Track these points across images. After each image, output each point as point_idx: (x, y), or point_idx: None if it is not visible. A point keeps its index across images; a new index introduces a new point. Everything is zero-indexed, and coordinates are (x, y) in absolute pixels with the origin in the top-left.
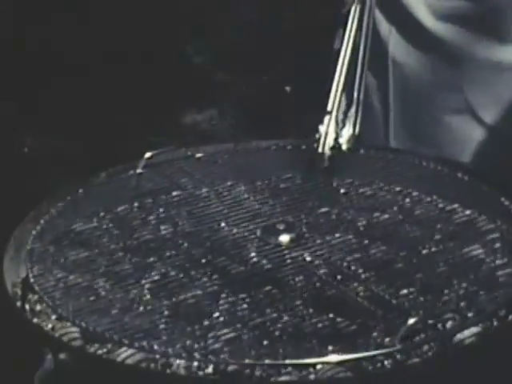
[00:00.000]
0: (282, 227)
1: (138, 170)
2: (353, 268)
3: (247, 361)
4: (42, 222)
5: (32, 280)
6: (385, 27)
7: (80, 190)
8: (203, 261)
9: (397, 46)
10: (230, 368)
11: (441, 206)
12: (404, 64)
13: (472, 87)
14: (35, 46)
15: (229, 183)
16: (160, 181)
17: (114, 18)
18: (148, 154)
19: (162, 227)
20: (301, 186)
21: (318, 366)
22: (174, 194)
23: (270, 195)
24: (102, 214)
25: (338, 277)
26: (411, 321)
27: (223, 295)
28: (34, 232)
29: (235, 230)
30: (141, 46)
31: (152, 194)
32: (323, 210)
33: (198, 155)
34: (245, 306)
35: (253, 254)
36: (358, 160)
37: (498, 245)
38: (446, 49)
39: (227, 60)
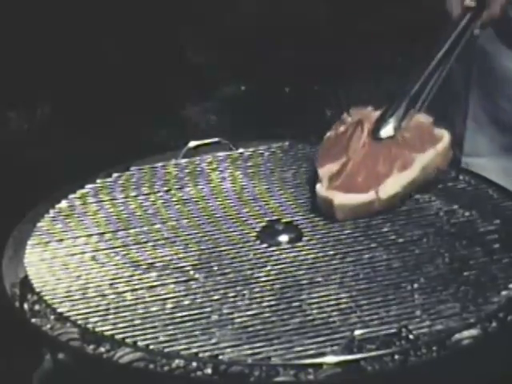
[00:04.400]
0: None
1: (179, 160)
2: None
3: (246, 361)
4: (40, 222)
5: (31, 280)
6: None
7: (79, 190)
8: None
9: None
10: (229, 368)
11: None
12: (490, 53)
13: None
14: (35, 45)
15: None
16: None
17: (114, 18)
18: (192, 144)
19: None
20: None
21: (317, 367)
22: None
23: None
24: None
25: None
26: (357, 332)
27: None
28: (32, 232)
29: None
30: (141, 45)
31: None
32: None
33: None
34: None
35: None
36: None
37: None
38: None
39: (227, 59)
